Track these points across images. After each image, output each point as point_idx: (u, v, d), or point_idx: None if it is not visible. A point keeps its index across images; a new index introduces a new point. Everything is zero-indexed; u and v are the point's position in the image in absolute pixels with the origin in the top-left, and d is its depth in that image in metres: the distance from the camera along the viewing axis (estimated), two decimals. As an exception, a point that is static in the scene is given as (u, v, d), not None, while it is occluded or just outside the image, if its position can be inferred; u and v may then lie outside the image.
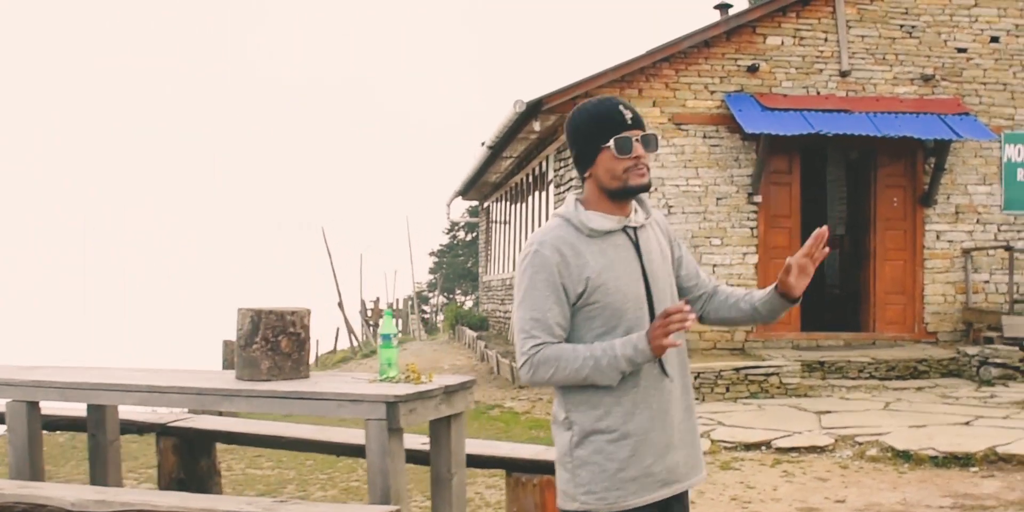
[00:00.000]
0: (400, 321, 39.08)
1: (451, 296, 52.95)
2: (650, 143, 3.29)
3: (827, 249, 3.41)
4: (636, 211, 3.40)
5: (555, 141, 16.85)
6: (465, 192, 26.84)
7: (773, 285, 3.48)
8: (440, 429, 5.00)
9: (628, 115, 3.28)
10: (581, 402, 3.27)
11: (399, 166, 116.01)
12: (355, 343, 34.17)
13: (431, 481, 5.05)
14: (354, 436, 5.84)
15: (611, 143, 3.24)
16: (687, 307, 3.09)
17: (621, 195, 3.32)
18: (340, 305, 36.15)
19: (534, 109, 15.51)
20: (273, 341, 5.02)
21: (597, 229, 3.28)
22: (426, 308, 47.37)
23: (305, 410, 4.69)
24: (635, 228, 3.37)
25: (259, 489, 8.73)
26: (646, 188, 3.32)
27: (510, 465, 5.33)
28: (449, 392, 4.85)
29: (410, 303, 39.82)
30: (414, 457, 5.36)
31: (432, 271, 54.99)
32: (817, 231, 3.36)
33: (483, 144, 19.91)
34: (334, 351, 34.44)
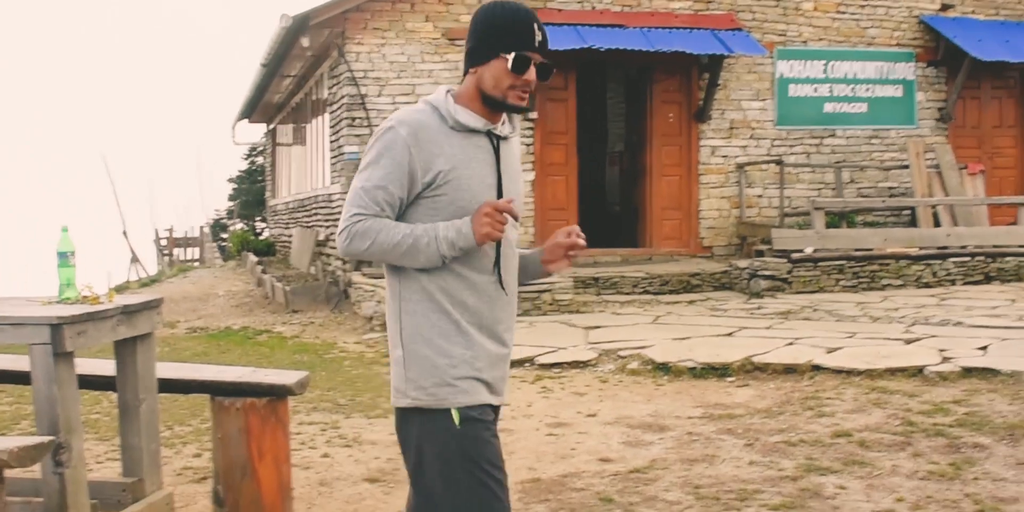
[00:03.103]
0: (198, 250, 38.17)
1: (251, 223, 51.75)
2: (546, 74, 3.21)
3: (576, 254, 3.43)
4: (504, 123, 3.29)
5: (328, 58, 16.29)
6: (249, 114, 25.92)
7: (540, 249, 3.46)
8: (126, 353, 4.59)
9: (539, 37, 3.18)
10: (418, 291, 3.16)
11: (190, 87, 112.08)
12: (142, 274, 33.14)
13: (119, 409, 4.66)
14: (21, 362, 5.18)
15: (510, 57, 3.13)
16: (512, 206, 3.03)
17: (492, 105, 3.19)
18: (124, 234, 35.02)
19: (302, 24, 14.92)
20: (-64, 261, 4.52)
21: (463, 123, 3.16)
22: (225, 236, 46.23)
23: (-38, 337, 4.22)
24: (499, 137, 3.25)
25: (-12, 426, 8.19)
26: (522, 111, 3.26)
27: (213, 389, 4.96)
28: (129, 312, 4.43)
29: (205, 230, 38.87)
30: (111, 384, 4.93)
31: (231, 198, 53.50)
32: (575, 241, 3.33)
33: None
34: (127, 283, 33.37)
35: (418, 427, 3.17)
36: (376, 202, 3.08)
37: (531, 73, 3.16)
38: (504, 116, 3.28)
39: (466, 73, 3.25)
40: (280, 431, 4.95)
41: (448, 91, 3.23)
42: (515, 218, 3.14)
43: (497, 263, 3.22)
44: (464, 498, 3.12)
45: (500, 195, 3.21)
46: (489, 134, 3.22)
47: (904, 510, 5.38)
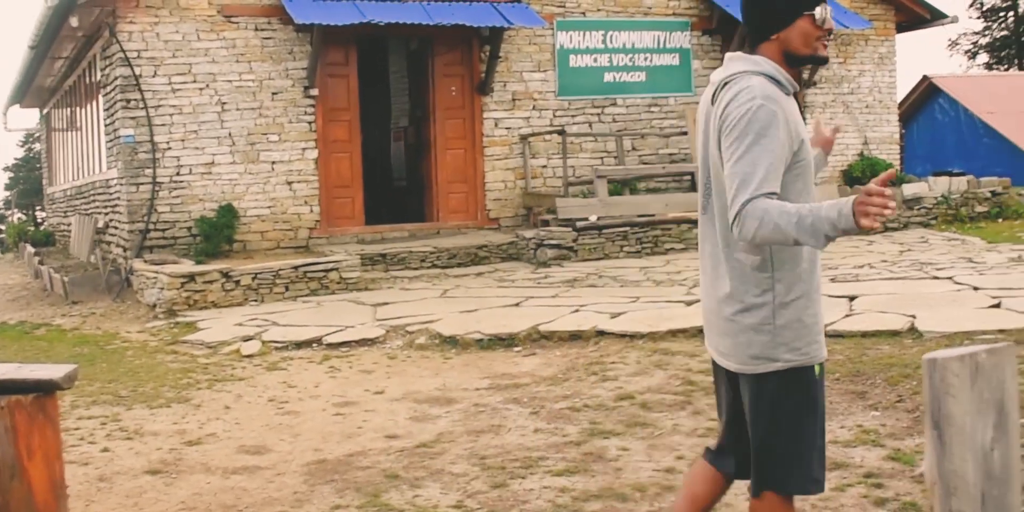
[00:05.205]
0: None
1: (31, 213, 49.85)
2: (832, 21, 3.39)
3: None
4: None
5: (100, 38, 15.74)
6: (20, 99, 24.86)
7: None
8: None
9: None
10: (786, 260, 3.33)
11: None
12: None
13: None
14: None
15: (817, 11, 3.30)
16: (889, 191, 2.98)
17: (800, 62, 3.41)
18: None
19: (70, 4, 14.38)
20: None
21: (794, 89, 3.36)
22: (3, 227, 44.40)
23: None
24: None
25: None
26: (826, 61, 3.44)
27: (-28, 388, 4.74)
28: None
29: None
30: None
31: (8, 187, 51.35)
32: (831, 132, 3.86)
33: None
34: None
35: (785, 385, 3.38)
36: (768, 182, 3.13)
37: (831, 23, 3.34)
38: None
39: (758, 43, 3.39)
40: (49, 428, 4.75)
41: (764, 60, 3.35)
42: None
43: None
44: (812, 440, 3.42)
45: None
46: (794, 94, 3.40)
47: (684, 467, 5.53)
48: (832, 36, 3.42)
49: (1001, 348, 1.74)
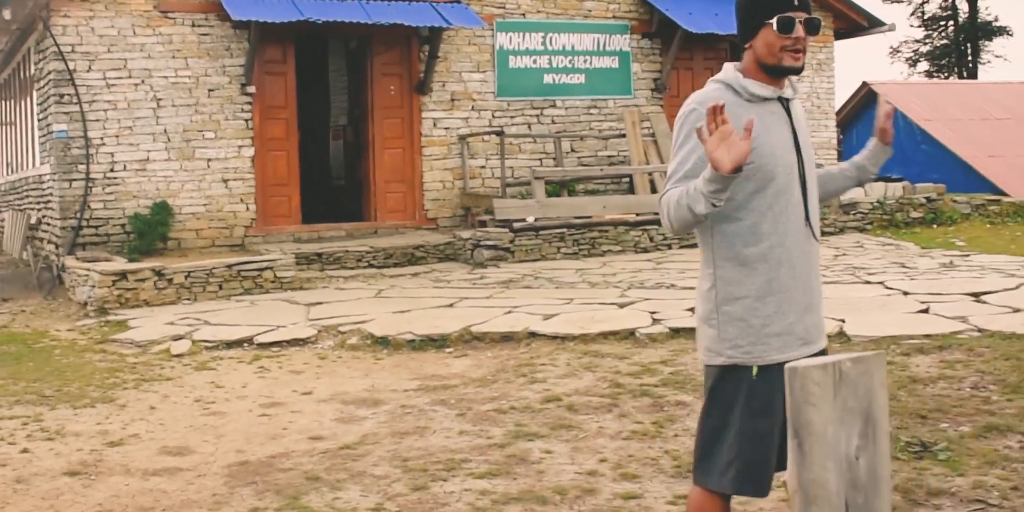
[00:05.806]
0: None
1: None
2: (813, 27, 3.44)
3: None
4: (787, 88, 3.56)
5: (35, 32, 15.54)
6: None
7: (872, 143, 3.83)
8: None
9: None
10: (729, 258, 3.43)
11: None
12: None
13: None
14: None
15: (774, 20, 3.39)
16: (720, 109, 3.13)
17: (774, 71, 3.47)
18: None
19: (0, -6, 14.22)
20: None
21: (757, 94, 3.45)
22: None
23: None
24: (788, 100, 3.54)
25: None
26: (799, 71, 3.48)
27: None
28: None
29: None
30: None
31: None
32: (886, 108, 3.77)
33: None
34: None
35: (724, 381, 3.48)
36: (687, 179, 3.30)
37: (799, 31, 3.41)
38: (786, 81, 3.55)
39: (742, 51, 3.55)
40: (-40, 428, 4.71)
41: (735, 67, 3.51)
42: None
43: (808, 214, 3.51)
44: (738, 440, 3.44)
45: (799, 153, 3.50)
46: (780, 99, 3.51)
47: (606, 470, 5.55)
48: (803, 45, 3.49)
49: (869, 356, 1.75)
